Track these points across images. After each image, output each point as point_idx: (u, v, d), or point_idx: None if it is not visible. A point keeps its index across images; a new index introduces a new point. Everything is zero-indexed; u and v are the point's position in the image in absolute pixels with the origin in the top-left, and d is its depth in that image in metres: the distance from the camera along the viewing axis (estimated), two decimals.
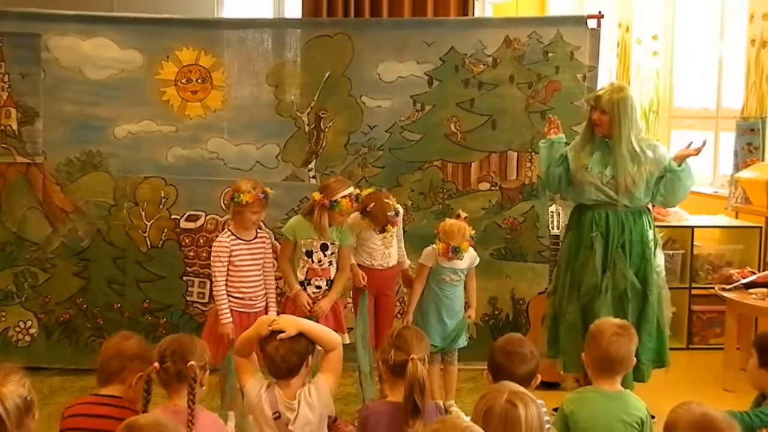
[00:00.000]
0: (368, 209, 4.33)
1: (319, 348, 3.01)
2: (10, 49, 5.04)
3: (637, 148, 4.26)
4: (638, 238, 4.32)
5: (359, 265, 4.47)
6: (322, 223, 4.24)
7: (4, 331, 5.18)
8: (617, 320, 3.25)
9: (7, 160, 5.09)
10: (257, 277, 4.29)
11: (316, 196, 4.26)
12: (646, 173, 4.26)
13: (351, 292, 4.69)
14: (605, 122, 4.28)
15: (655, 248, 4.38)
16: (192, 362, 2.78)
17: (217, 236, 4.48)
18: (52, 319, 5.18)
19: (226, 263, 4.21)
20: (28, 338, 5.20)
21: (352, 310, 4.67)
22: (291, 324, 2.95)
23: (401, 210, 4.59)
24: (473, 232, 4.44)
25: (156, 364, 2.78)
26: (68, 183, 5.14)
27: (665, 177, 4.29)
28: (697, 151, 4.32)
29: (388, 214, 4.35)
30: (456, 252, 4.32)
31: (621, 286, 4.26)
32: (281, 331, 2.90)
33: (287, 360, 2.89)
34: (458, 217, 4.46)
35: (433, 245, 4.43)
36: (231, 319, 4.17)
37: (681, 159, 4.27)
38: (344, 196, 4.23)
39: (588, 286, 4.30)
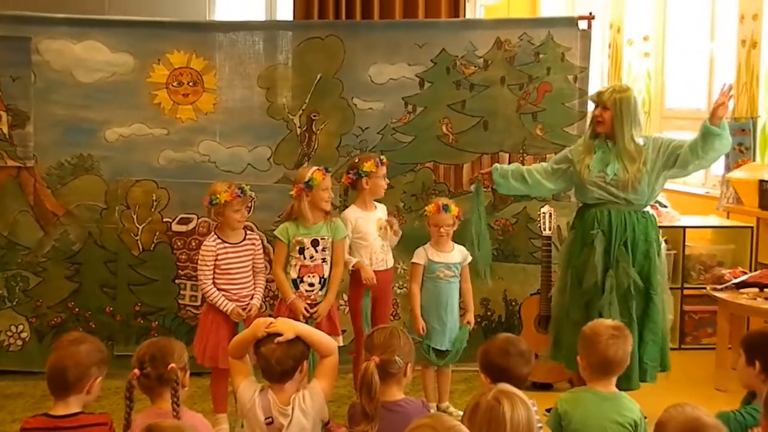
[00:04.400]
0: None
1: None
2: (1, 52, 5.01)
3: (637, 146, 4.25)
4: (642, 237, 4.30)
5: None
6: (303, 209, 4.24)
7: None
8: (611, 321, 3.25)
9: None
10: (245, 279, 4.29)
11: (292, 190, 4.30)
12: (649, 165, 4.24)
13: (344, 294, 4.69)
14: (606, 119, 4.27)
15: (659, 249, 4.38)
16: (172, 364, 2.76)
17: None
18: (44, 323, 5.16)
19: (211, 267, 4.21)
20: (19, 342, 5.17)
21: (347, 311, 4.66)
22: (289, 327, 2.95)
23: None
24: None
25: (136, 371, 2.76)
26: (59, 186, 5.12)
27: (697, 143, 4.14)
28: (727, 97, 4.10)
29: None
30: (446, 209, 4.39)
31: (624, 284, 4.24)
32: (278, 334, 2.90)
33: (282, 363, 2.88)
34: None
35: (424, 246, 4.46)
36: (232, 304, 4.18)
37: (718, 118, 4.08)
38: (313, 172, 4.25)
39: (588, 284, 4.29)
